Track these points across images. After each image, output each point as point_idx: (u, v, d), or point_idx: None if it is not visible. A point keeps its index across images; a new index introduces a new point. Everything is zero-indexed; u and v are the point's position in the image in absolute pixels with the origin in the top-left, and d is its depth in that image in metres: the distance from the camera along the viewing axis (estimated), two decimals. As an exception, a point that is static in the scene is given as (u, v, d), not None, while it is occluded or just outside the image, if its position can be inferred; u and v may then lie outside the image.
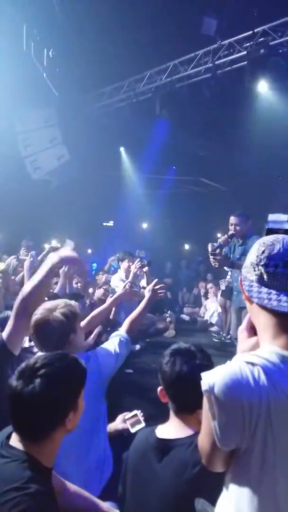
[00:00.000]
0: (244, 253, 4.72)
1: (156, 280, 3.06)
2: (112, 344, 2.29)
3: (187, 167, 11.87)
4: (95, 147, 10.06)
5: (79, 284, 5.50)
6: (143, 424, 2.23)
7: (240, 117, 8.39)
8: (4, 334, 2.07)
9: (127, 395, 3.92)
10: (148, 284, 5.73)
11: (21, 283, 4.44)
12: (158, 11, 7.22)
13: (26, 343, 2.64)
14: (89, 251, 10.24)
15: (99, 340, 3.50)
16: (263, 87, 7.70)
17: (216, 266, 4.44)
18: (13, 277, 5.69)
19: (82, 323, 2.76)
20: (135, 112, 9.51)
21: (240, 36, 7.62)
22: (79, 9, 7.15)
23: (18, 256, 6.53)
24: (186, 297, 9.38)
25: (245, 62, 7.54)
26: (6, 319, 2.94)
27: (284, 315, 1.10)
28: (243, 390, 1.02)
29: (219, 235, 5.77)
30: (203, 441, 1.15)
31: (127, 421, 2.30)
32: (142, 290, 5.33)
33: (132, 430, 2.22)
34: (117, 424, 2.34)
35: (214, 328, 7.71)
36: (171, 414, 1.66)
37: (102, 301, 5.35)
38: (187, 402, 1.59)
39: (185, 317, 8.70)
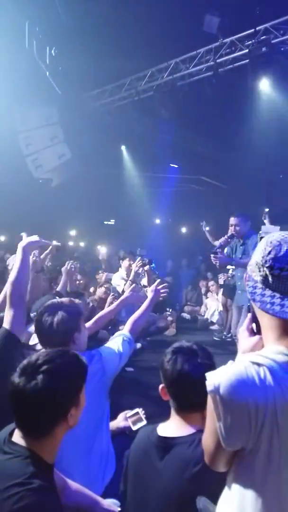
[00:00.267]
0: (244, 252, 4.81)
1: (158, 280, 3.07)
2: (115, 343, 2.30)
3: (188, 165, 11.86)
4: (96, 145, 10.06)
5: (81, 281, 5.50)
6: (144, 422, 2.24)
7: (242, 115, 8.38)
8: (7, 325, 2.20)
9: (128, 393, 3.93)
10: (149, 282, 5.74)
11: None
12: (160, 9, 7.21)
13: (32, 340, 2.66)
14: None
15: (96, 335, 3.52)
16: (264, 85, 7.70)
17: (217, 264, 4.48)
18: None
19: (88, 324, 2.78)
20: (137, 110, 9.51)
21: (242, 34, 7.62)
22: (81, 7, 7.14)
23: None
24: (189, 295, 9.36)
25: (247, 60, 7.55)
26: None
27: None
28: (248, 391, 1.01)
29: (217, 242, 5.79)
30: (207, 441, 1.14)
31: (129, 419, 2.30)
32: (143, 288, 5.34)
33: (134, 428, 2.22)
34: (119, 422, 2.35)
35: (215, 327, 7.73)
36: (172, 412, 1.66)
37: (103, 299, 5.37)
38: (188, 400, 1.59)
39: (185, 315, 8.71)
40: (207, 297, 8.65)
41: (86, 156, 10.20)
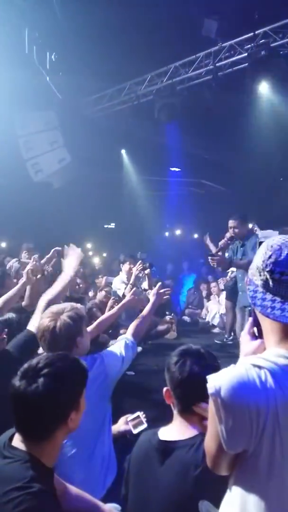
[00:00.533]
0: (244, 254, 4.84)
1: (160, 283, 3.07)
2: (118, 347, 2.30)
3: (188, 169, 11.89)
4: (96, 149, 10.08)
5: (81, 285, 5.50)
6: (145, 425, 2.23)
7: (241, 118, 8.40)
8: (33, 328, 2.38)
9: (129, 397, 3.91)
10: (149, 286, 5.74)
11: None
12: (159, 13, 7.24)
13: None
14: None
15: (97, 339, 3.50)
16: (264, 89, 7.71)
17: (215, 266, 4.50)
18: (15, 280, 5.68)
19: (90, 328, 2.77)
20: (136, 114, 9.54)
21: (241, 37, 7.64)
22: (80, 12, 7.17)
23: (20, 259, 6.52)
24: (190, 298, 9.33)
25: (246, 64, 7.56)
26: (7, 321, 2.96)
27: None
28: (250, 393, 1.00)
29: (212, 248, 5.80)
30: (209, 444, 1.14)
31: (130, 422, 2.30)
32: (144, 292, 5.34)
33: (135, 432, 2.22)
34: (120, 426, 2.35)
35: (216, 330, 7.71)
36: (175, 414, 1.66)
37: (103, 303, 5.36)
38: (194, 401, 1.59)
39: (186, 318, 8.70)
40: (209, 300, 8.65)
41: (86, 160, 10.23)
